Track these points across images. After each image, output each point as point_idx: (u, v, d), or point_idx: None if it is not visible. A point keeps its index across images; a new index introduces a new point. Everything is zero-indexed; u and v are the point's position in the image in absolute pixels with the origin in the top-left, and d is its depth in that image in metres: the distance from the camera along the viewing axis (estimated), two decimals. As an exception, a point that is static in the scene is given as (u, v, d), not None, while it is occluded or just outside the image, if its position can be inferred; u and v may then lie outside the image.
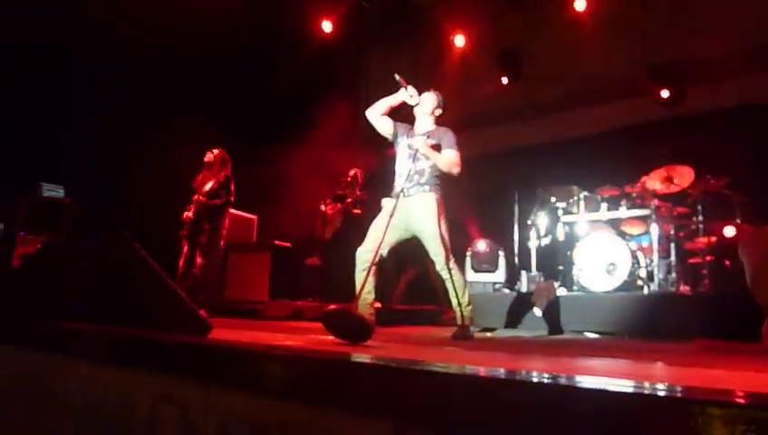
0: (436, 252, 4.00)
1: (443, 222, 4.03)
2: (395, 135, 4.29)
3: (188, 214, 5.91)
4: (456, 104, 9.59)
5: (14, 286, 2.28)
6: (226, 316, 6.83)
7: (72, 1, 6.10)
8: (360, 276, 3.97)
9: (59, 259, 2.30)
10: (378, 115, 4.27)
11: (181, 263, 5.94)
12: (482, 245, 6.44)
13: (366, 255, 3.96)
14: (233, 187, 6.04)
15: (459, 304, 4.06)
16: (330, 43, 9.36)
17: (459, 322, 4.07)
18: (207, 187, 5.92)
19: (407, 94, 4.16)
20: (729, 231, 5.42)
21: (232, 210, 6.86)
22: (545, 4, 9.02)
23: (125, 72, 6.14)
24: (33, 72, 6.41)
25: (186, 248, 5.95)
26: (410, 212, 4.05)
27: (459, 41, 9.20)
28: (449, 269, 4.00)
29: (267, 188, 7.80)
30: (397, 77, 4.18)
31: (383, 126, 4.29)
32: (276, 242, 7.16)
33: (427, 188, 4.09)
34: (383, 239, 3.89)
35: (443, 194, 4.14)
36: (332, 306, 3.05)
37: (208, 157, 6.00)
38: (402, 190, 4.06)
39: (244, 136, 7.70)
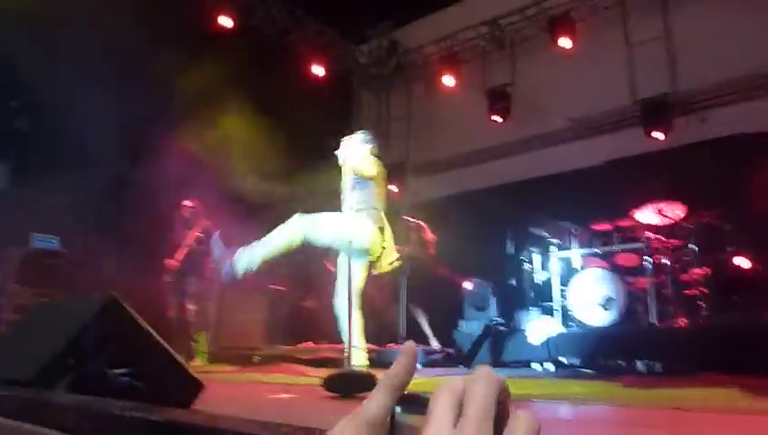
0: None
1: None
2: None
3: (173, 262, 5.93)
4: (446, 143, 9.85)
5: (3, 350, 2.26)
6: (222, 361, 6.76)
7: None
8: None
9: (47, 321, 2.28)
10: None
11: (171, 312, 5.94)
12: (469, 284, 6.44)
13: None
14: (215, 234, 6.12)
15: None
16: (321, 87, 9.49)
17: None
18: (195, 235, 5.96)
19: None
20: (741, 261, 5.41)
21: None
22: (532, 42, 9.19)
23: (116, 124, 6.20)
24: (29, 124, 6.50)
25: (172, 298, 5.97)
26: None
27: (448, 80, 9.34)
28: None
29: (263, 231, 7.78)
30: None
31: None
32: (272, 286, 7.12)
33: None
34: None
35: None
36: (328, 373, 3.04)
37: (185, 209, 6.08)
38: None
39: (239, 180, 7.73)
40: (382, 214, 4.28)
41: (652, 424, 2.20)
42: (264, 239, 4.20)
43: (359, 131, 4.85)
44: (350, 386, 3.03)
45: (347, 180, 4.41)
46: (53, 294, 6.08)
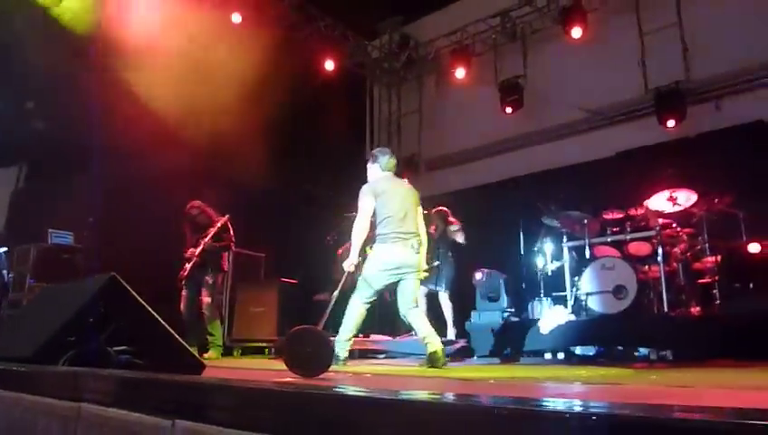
0: None
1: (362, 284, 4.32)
2: None
3: (189, 257, 5.98)
4: (458, 137, 9.82)
5: (8, 331, 2.31)
6: (237, 355, 6.84)
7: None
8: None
9: (51, 303, 2.33)
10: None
11: (183, 305, 5.97)
12: (480, 275, 6.42)
13: None
14: (231, 229, 6.16)
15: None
16: (333, 82, 9.52)
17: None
18: (209, 231, 6.00)
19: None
20: (754, 247, 5.34)
21: (239, 249, 6.93)
22: (543, 34, 9.13)
23: (125, 124, 6.28)
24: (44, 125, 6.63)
25: (185, 291, 6.00)
26: None
27: (460, 73, 9.31)
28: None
29: (276, 225, 7.85)
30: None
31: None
32: (283, 279, 7.17)
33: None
34: None
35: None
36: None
37: (194, 209, 6.10)
38: None
39: (252, 175, 7.79)
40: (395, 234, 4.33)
41: (659, 397, 2.18)
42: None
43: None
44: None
45: None
46: (69, 288, 6.18)
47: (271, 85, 7.78)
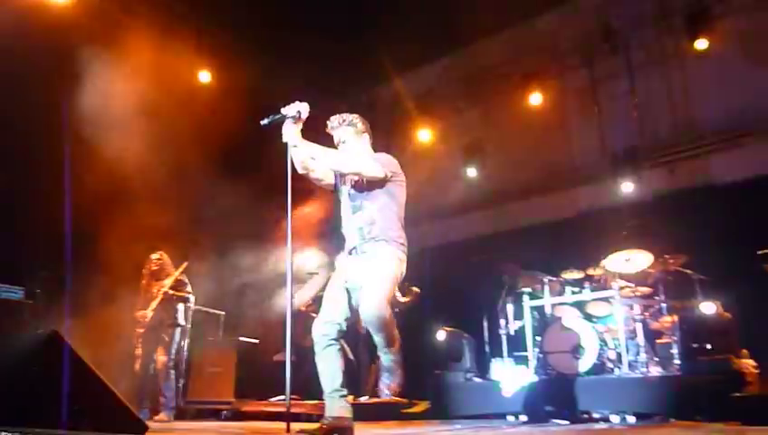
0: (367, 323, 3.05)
1: (390, 286, 3.17)
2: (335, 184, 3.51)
3: (145, 312, 5.82)
4: (422, 197, 9.89)
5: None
6: (191, 418, 6.56)
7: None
8: (322, 357, 3.14)
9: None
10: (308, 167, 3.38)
11: (138, 365, 5.75)
12: (443, 334, 6.40)
13: (325, 327, 3.17)
14: (188, 283, 6.06)
15: None
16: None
17: None
18: (167, 283, 5.88)
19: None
20: (708, 308, 5.43)
21: (197, 306, 6.76)
22: (504, 98, 9.42)
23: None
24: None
25: (140, 350, 5.80)
26: (360, 271, 3.21)
27: (424, 135, 9.51)
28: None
29: (233, 282, 7.69)
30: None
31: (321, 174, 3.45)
32: (243, 338, 6.98)
33: (382, 242, 3.22)
34: (340, 307, 3.21)
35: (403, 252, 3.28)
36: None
37: (154, 262, 6.00)
38: (354, 248, 3.29)
39: (213, 233, 7.66)
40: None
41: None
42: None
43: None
44: None
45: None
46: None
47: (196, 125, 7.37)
